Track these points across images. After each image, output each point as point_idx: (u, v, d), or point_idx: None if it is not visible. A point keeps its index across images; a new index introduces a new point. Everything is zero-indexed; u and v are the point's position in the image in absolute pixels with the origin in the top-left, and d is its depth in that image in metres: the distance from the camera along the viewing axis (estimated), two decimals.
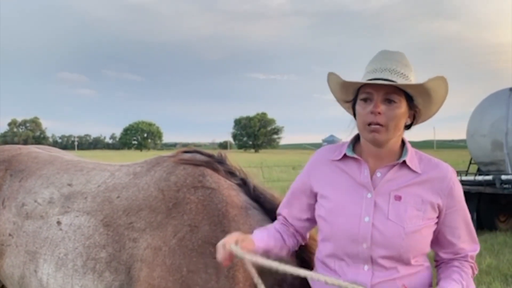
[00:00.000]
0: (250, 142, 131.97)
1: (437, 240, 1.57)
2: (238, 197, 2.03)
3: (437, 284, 1.53)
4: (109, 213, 2.09)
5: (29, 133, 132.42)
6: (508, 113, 8.73)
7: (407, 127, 1.58)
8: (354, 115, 1.60)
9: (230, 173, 2.15)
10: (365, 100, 1.50)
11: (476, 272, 1.58)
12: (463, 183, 9.14)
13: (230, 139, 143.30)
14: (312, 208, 1.68)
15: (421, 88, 1.48)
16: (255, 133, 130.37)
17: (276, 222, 1.78)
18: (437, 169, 1.55)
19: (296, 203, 1.72)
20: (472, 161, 10.11)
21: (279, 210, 1.79)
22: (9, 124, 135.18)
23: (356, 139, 1.65)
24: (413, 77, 1.52)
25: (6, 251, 2.27)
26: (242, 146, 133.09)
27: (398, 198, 1.49)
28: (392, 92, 1.47)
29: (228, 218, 1.93)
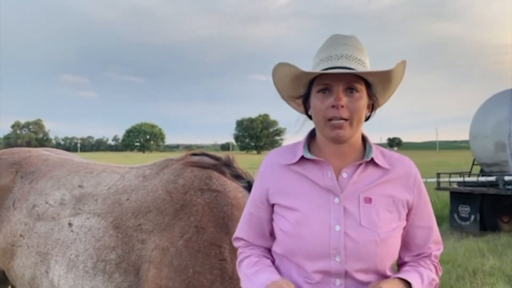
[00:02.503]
0: (253, 144, 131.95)
1: (405, 244, 1.42)
2: (244, 199, 2.05)
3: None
4: (118, 215, 2.12)
5: (32, 135, 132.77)
6: (511, 114, 8.71)
7: (366, 119, 1.42)
8: (306, 112, 1.44)
9: (237, 176, 2.18)
10: (323, 91, 1.32)
11: (440, 273, 1.45)
12: (466, 184, 9.17)
13: (232, 140, 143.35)
14: (271, 222, 1.45)
15: (387, 75, 1.34)
16: (257, 134, 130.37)
17: (245, 249, 1.50)
18: (402, 164, 1.41)
19: (254, 220, 1.47)
20: (475, 162, 10.09)
21: (236, 234, 1.53)
22: (12, 126, 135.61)
23: (310, 137, 1.47)
24: (368, 62, 1.37)
25: (17, 251, 2.29)
26: (244, 147, 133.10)
27: (369, 200, 1.33)
28: (353, 80, 1.31)
29: (233, 221, 1.96)
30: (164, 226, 2.01)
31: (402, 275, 1.34)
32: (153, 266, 1.96)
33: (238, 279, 1.81)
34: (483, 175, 9.19)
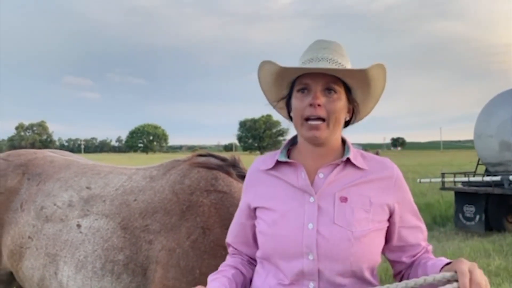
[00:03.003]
0: (256, 144, 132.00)
1: (400, 247, 1.42)
2: None
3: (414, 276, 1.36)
4: (126, 216, 2.14)
5: (36, 136, 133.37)
6: None
7: (345, 124, 1.45)
8: (289, 116, 1.47)
9: (243, 177, 2.19)
10: (302, 90, 1.37)
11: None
12: (471, 184, 9.12)
13: (235, 141, 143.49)
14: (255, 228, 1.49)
15: (363, 76, 1.36)
16: (260, 135, 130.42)
17: (228, 257, 1.57)
18: (383, 166, 1.42)
19: (240, 227, 1.53)
20: (480, 162, 10.05)
21: (226, 239, 1.60)
22: (16, 128, 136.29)
23: (291, 143, 1.51)
24: (350, 67, 1.40)
25: (26, 253, 2.31)
26: (247, 148, 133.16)
27: (344, 199, 1.34)
28: (331, 81, 1.35)
29: None
30: (170, 226, 2.02)
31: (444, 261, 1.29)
32: (160, 267, 1.97)
33: None
34: (488, 175, 9.15)
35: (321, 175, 1.38)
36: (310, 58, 1.38)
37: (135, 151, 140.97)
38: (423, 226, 1.46)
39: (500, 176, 8.47)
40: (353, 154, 1.41)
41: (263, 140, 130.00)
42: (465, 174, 9.81)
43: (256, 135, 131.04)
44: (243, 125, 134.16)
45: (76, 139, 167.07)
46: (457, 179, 9.70)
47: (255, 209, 1.46)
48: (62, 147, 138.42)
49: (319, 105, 1.33)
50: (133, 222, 2.10)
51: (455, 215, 9.12)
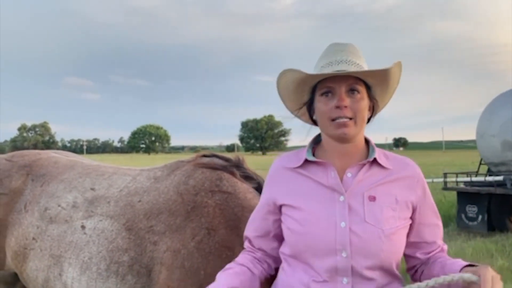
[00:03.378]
0: (258, 145, 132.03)
1: (415, 243, 1.48)
2: (254, 200, 2.06)
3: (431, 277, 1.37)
4: (131, 217, 2.13)
5: (39, 137, 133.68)
6: None
7: (368, 120, 1.50)
8: (311, 118, 1.53)
9: (247, 177, 2.19)
10: (326, 94, 1.41)
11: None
12: (473, 184, 9.10)
13: (237, 141, 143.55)
14: (278, 224, 1.53)
15: (383, 75, 1.42)
16: (262, 135, 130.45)
17: (241, 253, 1.60)
18: (406, 165, 1.48)
19: (261, 221, 1.56)
20: (482, 162, 10.02)
21: (245, 232, 1.63)
22: (19, 129, 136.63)
23: (315, 142, 1.55)
24: (366, 67, 1.45)
25: (30, 254, 2.31)
26: (249, 148, 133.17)
27: (373, 198, 1.38)
28: (354, 82, 1.40)
29: (244, 222, 1.96)
30: (175, 227, 2.02)
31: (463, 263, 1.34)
32: (164, 268, 1.97)
33: None
34: (490, 175, 9.13)
35: (349, 175, 1.42)
36: (329, 62, 1.42)
37: (137, 151, 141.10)
38: (440, 224, 1.51)
39: (503, 176, 8.46)
40: (378, 154, 1.46)
41: (265, 140, 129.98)
42: (468, 174, 9.79)
43: (258, 135, 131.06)
44: (245, 125, 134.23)
45: (79, 140, 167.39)
46: (459, 179, 9.69)
47: (280, 206, 1.50)
48: (64, 148, 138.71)
49: (345, 106, 1.37)
50: (138, 223, 2.10)
51: (458, 215, 9.11)
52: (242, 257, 1.57)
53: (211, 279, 1.80)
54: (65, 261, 2.19)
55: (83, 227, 2.21)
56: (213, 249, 1.93)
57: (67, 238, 2.22)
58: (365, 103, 1.41)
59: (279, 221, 1.52)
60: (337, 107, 1.37)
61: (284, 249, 1.49)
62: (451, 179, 9.75)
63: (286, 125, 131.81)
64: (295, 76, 1.43)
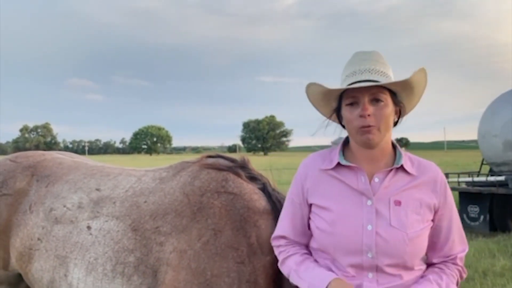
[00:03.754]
0: (259, 145, 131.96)
1: (431, 243, 1.55)
2: (259, 201, 2.07)
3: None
4: (136, 217, 2.14)
5: (41, 138, 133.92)
6: None
7: (394, 124, 1.57)
8: (340, 120, 1.59)
9: (252, 178, 2.20)
10: (351, 104, 1.48)
11: (464, 276, 1.56)
12: (475, 184, 9.09)
13: (239, 142, 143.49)
14: (308, 220, 1.63)
15: (406, 83, 1.48)
16: (264, 136, 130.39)
17: (282, 248, 1.66)
18: (429, 170, 1.55)
19: (298, 219, 1.64)
20: (484, 162, 10.00)
21: (280, 233, 1.68)
22: (21, 130, 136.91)
23: (344, 144, 1.62)
24: (391, 73, 1.51)
25: (35, 255, 2.31)
26: (251, 149, 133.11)
27: (398, 203, 1.47)
28: (377, 91, 1.46)
29: (250, 224, 1.99)
30: (182, 228, 2.03)
31: (416, 285, 1.46)
32: (171, 269, 1.98)
33: (254, 282, 1.86)
34: (492, 175, 9.12)
35: (376, 180, 1.51)
36: (353, 71, 1.49)
37: (139, 152, 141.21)
38: (459, 228, 1.57)
39: (505, 176, 8.45)
40: (404, 160, 1.53)
41: (267, 141, 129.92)
42: (469, 174, 9.79)
43: (259, 136, 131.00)
44: (246, 126, 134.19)
45: (80, 141, 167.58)
46: (461, 179, 9.68)
47: (311, 204, 1.59)
48: (66, 148, 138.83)
49: (368, 115, 1.44)
50: (144, 223, 2.10)
51: (459, 215, 9.06)
52: (296, 249, 1.63)
53: (218, 280, 1.81)
54: (70, 262, 2.19)
55: (89, 227, 2.22)
56: (219, 250, 1.94)
57: (73, 239, 2.22)
58: (389, 110, 1.47)
59: (308, 218, 1.61)
60: (361, 116, 1.44)
61: (312, 244, 1.59)
62: (453, 179, 9.74)
63: (287, 126, 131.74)
64: (319, 89, 1.52)
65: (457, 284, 1.53)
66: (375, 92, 1.45)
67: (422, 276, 1.53)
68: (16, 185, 2.50)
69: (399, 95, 1.52)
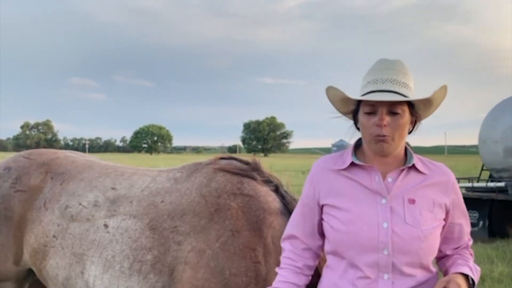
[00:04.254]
0: (260, 146, 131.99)
1: (445, 239, 1.61)
2: (274, 203, 2.15)
3: (445, 274, 1.59)
4: (154, 217, 2.18)
5: (41, 136, 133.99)
6: None
7: (409, 132, 1.60)
8: (355, 122, 1.62)
9: (265, 181, 2.26)
10: (369, 113, 1.51)
11: (472, 258, 1.65)
12: (475, 189, 9.09)
13: (239, 143, 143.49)
14: (320, 222, 1.64)
15: (426, 100, 1.52)
16: (264, 137, 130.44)
17: (280, 268, 1.68)
18: (440, 171, 1.60)
19: (308, 220, 1.65)
20: (484, 168, 10.01)
21: (290, 232, 1.69)
22: (22, 127, 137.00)
23: (356, 146, 1.65)
24: (413, 84, 1.54)
25: (50, 252, 2.34)
26: (251, 150, 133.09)
27: (412, 201, 1.51)
28: (396, 104, 1.48)
29: (266, 225, 2.07)
30: (200, 228, 2.08)
31: (459, 270, 1.53)
32: (189, 267, 2.03)
33: (271, 281, 1.89)
34: (492, 181, 9.13)
35: (389, 179, 1.54)
36: (375, 79, 1.51)
37: (139, 151, 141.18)
38: (468, 222, 1.66)
39: (504, 182, 8.45)
40: (415, 160, 1.57)
41: (267, 142, 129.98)
42: (469, 179, 9.79)
43: (260, 137, 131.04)
44: (247, 127, 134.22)
45: (81, 139, 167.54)
46: (461, 184, 9.67)
47: (323, 205, 1.61)
48: (67, 146, 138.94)
49: (385, 125, 1.47)
50: (162, 223, 2.15)
51: None
52: (284, 275, 1.64)
53: (236, 278, 1.92)
54: (87, 259, 2.22)
55: (106, 225, 2.24)
56: (237, 250, 2.01)
57: (90, 237, 2.24)
58: (405, 121, 1.50)
59: (321, 220, 1.63)
60: (377, 125, 1.47)
61: (327, 247, 1.61)
62: None
63: (288, 127, 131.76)
64: (338, 94, 1.56)
65: (478, 272, 1.60)
66: (393, 104, 1.48)
67: (446, 264, 1.62)
68: (30, 182, 2.51)
69: (416, 107, 1.55)
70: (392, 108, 1.48)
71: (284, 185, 2.28)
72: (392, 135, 1.48)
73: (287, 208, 2.14)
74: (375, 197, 1.52)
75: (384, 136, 1.47)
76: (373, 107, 1.49)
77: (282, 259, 1.69)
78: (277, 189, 2.23)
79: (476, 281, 1.54)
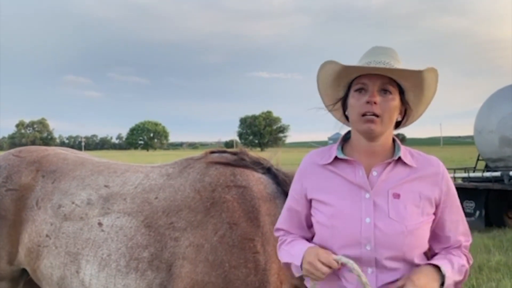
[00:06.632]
0: (256, 141, 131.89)
1: (435, 235, 1.55)
2: (266, 190, 2.16)
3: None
4: (149, 214, 2.17)
5: (37, 134, 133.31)
6: None
7: (397, 124, 1.58)
8: (344, 111, 1.61)
9: (255, 163, 2.27)
10: (359, 90, 1.49)
11: (471, 262, 1.57)
12: (471, 179, 9.13)
13: (236, 138, 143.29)
14: (309, 216, 1.63)
15: (417, 79, 1.49)
16: (260, 131, 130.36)
17: (284, 237, 1.68)
18: (430, 163, 1.56)
19: (297, 215, 1.65)
20: (480, 158, 10.06)
21: (278, 225, 1.72)
22: (17, 126, 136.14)
23: (344, 140, 1.63)
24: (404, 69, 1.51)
25: (44, 252, 2.31)
26: (248, 145, 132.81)
27: (397, 196, 1.47)
28: (387, 82, 1.47)
29: (262, 214, 2.08)
30: (196, 223, 2.08)
31: (431, 261, 1.47)
32: (187, 262, 2.03)
33: (270, 270, 1.97)
34: (488, 171, 9.18)
35: (374, 173, 1.51)
36: (368, 62, 1.50)
37: (136, 148, 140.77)
38: (463, 219, 1.58)
39: (500, 172, 8.49)
40: (403, 153, 1.53)
41: (264, 136, 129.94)
42: (465, 169, 9.84)
43: (256, 131, 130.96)
44: (243, 122, 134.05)
45: (77, 136, 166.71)
46: (457, 174, 9.73)
47: (311, 200, 1.59)
48: (62, 144, 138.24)
49: (375, 103, 1.45)
50: (157, 220, 2.13)
51: None
52: (292, 236, 1.65)
53: (236, 270, 1.94)
54: (82, 258, 2.20)
55: (100, 224, 2.22)
56: (236, 242, 2.01)
57: (84, 236, 2.22)
58: (395, 103, 1.48)
59: (309, 213, 1.61)
60: (368, 102, 1.45)
61: (315, 240, 1.59)
62: (448, 174, 9.77)
63: (284, 121, 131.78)
64: (333, 69, 1.51)
65: (466, 272, 1.53)
66: (385, 82, 1.47)
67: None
68: (21, 180, 2.46)
69: (407, 94, 1.54)
70: (384, 86, 1.47)
71: (274, 164, 2.29)
72: (381, 116, 1.46)
73: (282, 189, 2.15)
74: (359, 192, 1.50)
75: (373, 115, 1.45)
76: (365, 85, 1.48)
77: (278, 242, 1.70)
78: (269, 170, 2.24)
79: (454, 277, 1.46)
